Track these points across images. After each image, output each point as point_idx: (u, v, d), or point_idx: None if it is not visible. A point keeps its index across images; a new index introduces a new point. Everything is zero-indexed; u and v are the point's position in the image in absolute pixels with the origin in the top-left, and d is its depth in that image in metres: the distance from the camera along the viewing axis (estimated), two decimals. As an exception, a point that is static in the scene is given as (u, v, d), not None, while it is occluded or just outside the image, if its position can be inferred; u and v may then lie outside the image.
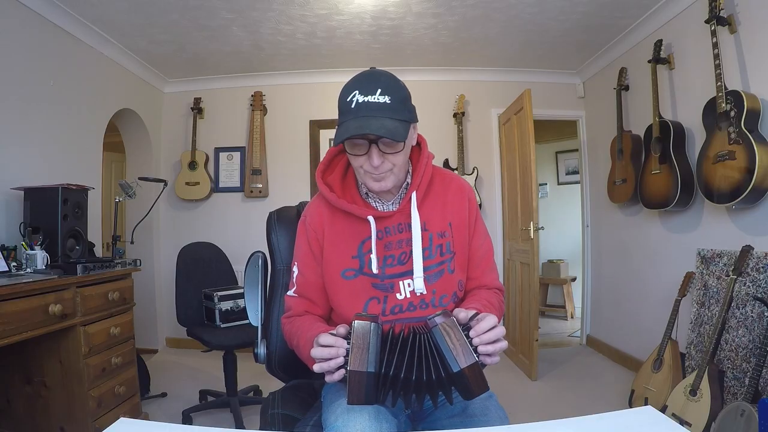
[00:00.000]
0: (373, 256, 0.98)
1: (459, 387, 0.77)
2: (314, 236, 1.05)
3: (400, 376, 0.77)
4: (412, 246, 0.99)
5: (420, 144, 1.07)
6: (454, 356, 0.75)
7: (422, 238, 1.00)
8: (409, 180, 1.05)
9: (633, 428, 0.72)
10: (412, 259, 0.99)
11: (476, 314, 0.83)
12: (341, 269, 1.01)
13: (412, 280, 0.99)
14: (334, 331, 0.83)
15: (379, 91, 0.89)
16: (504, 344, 0.81)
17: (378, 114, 0.88)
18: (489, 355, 0.80)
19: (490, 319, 0.81)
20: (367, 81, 0.91)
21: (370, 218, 0.99)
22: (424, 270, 0.99)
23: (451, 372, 0.76)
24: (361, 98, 0.89)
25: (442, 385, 0.78)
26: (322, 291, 1.05)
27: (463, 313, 0.82)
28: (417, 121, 0.99)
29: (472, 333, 0.79)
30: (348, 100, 0.90)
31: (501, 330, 0.81)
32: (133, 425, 0.76)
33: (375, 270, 0.98)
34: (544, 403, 2.63)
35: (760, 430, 1.52)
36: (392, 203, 1.05)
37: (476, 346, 0.78)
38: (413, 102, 0.98)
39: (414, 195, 1.01)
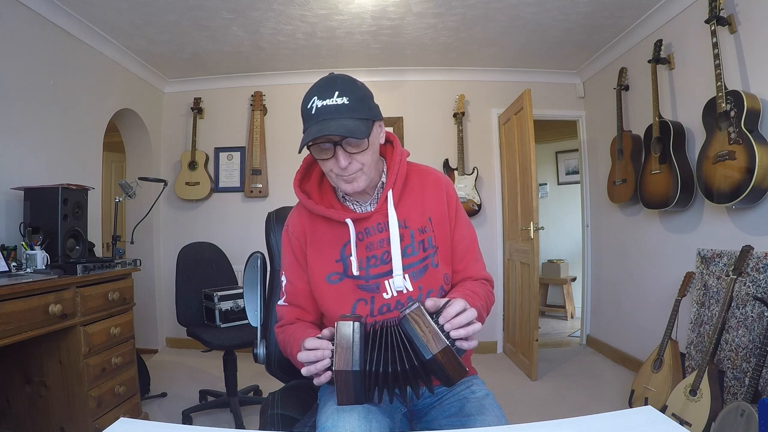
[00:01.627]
0: (353, 258, 0.98)
1: (437, 375, 0.78)
2: (297, 244, 1.06)
3: (381, 371, 0.78)
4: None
5: (392, 142, 1.08)
6: (424, 343, 0.76)
7: (403, 236, 1.00)
8: (384, 179, 1.05)
9: (633, 428, 0.72)
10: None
11: (447, 302, 0.83)
12: (326, 274, 1.02)
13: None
14: (320, 335, 0.83)
15: (337, 93, 0.90)
16: (477, 326, 0.81)
17: (337, 115, 0.89)
18: (465, 339, 0.80)
19: (458, 303, 0.81)
20: (324, 86, 0.92)
21: (348, 221, 0.99)
22: (408, 267, 0.99)
23: (424, 360, 0.76)
24: (319, 103, 0.90)
25: (418, 374, 0.78)
26: (311, 297, 1.06)
27: (430, 302, 0.82)
28: (381, 119, 0.99)
29: (441, 319, 0.79)
30: (308, 107, 0.91)
31: (471, 313, 0.81)
32: (133, 425, 0.76)
33: (356, 272, 0.98)
34: (544, 403, 2.63)
35: (760, 430, 1.52)
36: (369, 204, 1.05)
37: (448, 332, 0.78)
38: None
39: (390, 193, 1.01)
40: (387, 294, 1.00)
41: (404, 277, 0.99)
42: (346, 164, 0.92)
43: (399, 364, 0.78)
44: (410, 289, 0.99)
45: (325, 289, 1.02)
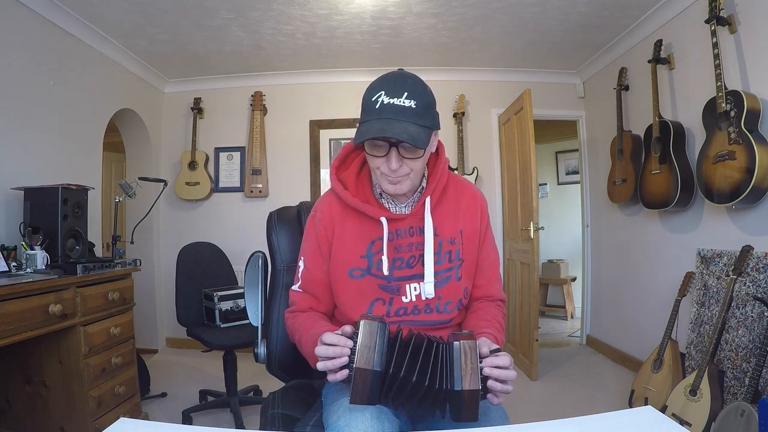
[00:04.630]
0: (384, 258, 0.97)
1: (452, 405, 0.78)
2: (323, 232, 1.04)
3: (408, 378, 0.77)
4: (422, 250, 0.99)
5: (438, 149, 1.07)
6: (461, 375, 0.76)
7: (432, 243, 1.00)
8: (424, 184, 1.05)
9: (633, 428, 0.72)
10: (421, 263, 0.99)
11: (498, 350, 0.84)
12: (349, 268, 1.01)
13: (419, 284, 0.99)
14: (340, 331, 0.82)
15: (406, 94, 0.88)
16: (510, 388, 0.81)
17: (402, 118, 0.87)
18: (495, 395, 0.81)
19: (506, 359, 0.82)
20: (394, 82, 0.90)
21: (383, 219, 0.98)
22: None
23: (452, 388, 0.76)
24: (386, 99, 0.88)
25: (438, 397, 0.79)
26: (327, 288, 1.05)
27: (485, 347, 0.83)
28: (439, 128, 0.98)
29: (485, 362, 0.80)
30: (373, 99, 0.89)
31: (512, 374, 0.82)
32: (133, 425, 0.76)
33: (386, 272, 0.97)
34: (544, 403, 2.63)
35: (760, 430, 1.52)
36: (405, 206, 1.04)
37: (484, 377, 0.79)
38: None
39: (428, 200, 1.01)
40: (406, 298, 1.00)
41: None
42: (397, 167, 0.91)
43: (429, 379, 0.78)
44: (432, 296, 0.99)
45: (346, 283, 1.01)
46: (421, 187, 1.05)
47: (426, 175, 1.06)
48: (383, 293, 1.00)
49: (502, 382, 0.80)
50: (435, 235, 1.01)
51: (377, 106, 0.88)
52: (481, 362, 0.80)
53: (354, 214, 1.02)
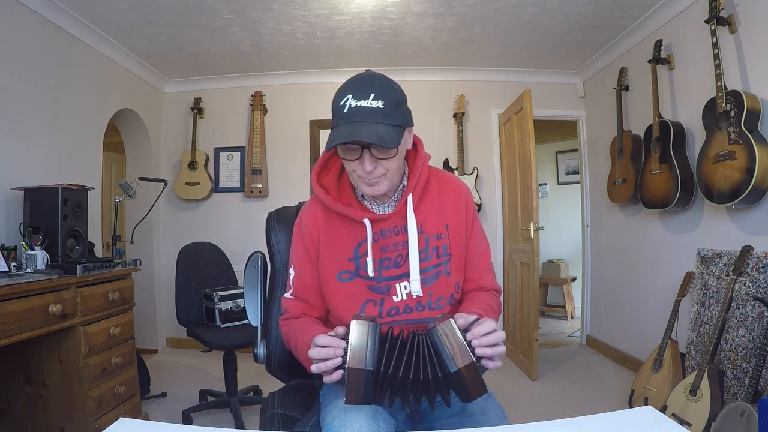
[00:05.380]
0: (369, 259, 0.98)
1: (457, 389, 0.78)
2: (310, 238, 1.05)
3: (398, 375, 0.77)
4: (408, 248, 0.99)
5: (416, 145, 1.06)
6: (451, 356, 0.76)
7: (419, 241, 1.00)
8: (405, 182, 1.05)
9: (633, 428, 0.72)
10: (408, 262, 0.99)
11: (477, 319, 0.83)
12: (337, 272, 1.01)
13: (409, 282, 0.99)
14: (332, 333, 0.82)
15: (373, 95, 0.88)
16: (503, 349, 0.81)
17: (370, 119, 0.87)
18: (490, 359, 0.80)
19: (489, 323, 0.81)
20: (360, 85, 0.90)
21: (366, 221, 0.98)
22: (421, 272, 0.99)
23: (448, 372, 0.76)
24: (354, 102, 0.88)
25: (439, 386, 0.78)
26: (319, 293, 1.05)
27: (462, 319, 0.82)
28: (412, 125, 0.98)
29: (469, 336, 0.80)
30: (341, 103, 0.89)
31: (500, 334, 0.81)
32: (133, 425, 0.76)
33: (371, 273, 0.98)
34: (544, 403, 2.63)
35: (760, 430, 1.52)
36: (388, 205, 1.04)
37: (474, 349, 0.79)
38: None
39: (410, 197, 1.01)
40: (397, 297, 1.00)
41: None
42: (371, 168, 0.91)
43: (422, 373, 0.78)
44: (420, 294, 0.98)
45: (335, 287, 1.01)
46: (402, 185, 1.04)
47: (406, 172, 1.05)
48: (373, 294, 1.00)
49: (493, 348, 0.80)
50: (421, 231, 1.01)
51: (345, 110, 0.88)
52: (465, 335, 0.80)
53: (338, 218, 1.03)
